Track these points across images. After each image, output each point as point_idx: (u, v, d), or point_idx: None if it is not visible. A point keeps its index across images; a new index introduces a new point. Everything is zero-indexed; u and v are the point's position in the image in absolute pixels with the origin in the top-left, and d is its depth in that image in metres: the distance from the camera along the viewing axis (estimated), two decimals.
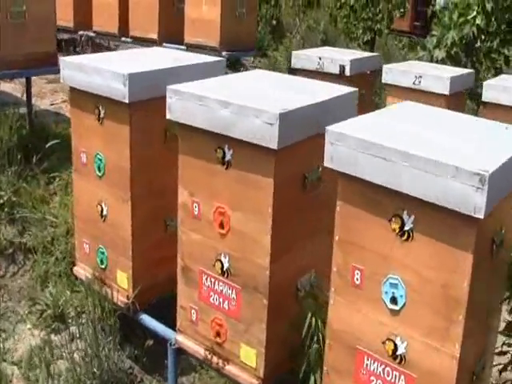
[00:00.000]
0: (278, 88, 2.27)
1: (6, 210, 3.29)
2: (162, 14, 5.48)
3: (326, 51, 4.65)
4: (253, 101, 2.00)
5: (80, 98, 2.62)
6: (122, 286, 2.64)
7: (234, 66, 6.62)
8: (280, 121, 1.89)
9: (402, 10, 8.29)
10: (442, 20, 5.53)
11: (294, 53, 4.59)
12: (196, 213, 2.21)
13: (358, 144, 1.68)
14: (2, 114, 4.04)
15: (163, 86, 2.45)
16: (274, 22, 8.46)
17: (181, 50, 5.44)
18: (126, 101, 2.37)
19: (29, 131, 4.02)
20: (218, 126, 2.04)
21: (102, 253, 2.70)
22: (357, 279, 1.82)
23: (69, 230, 3.33)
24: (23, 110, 4.68)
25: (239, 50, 5.26)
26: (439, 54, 5.37)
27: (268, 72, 2.69)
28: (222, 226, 2.14)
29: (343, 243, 1.81)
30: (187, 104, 2.11)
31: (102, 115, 2.55)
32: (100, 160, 2.60)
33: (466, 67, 5.38)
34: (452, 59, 5.36)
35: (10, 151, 3.46)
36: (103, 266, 2.71)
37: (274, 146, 1.92)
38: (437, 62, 5.44)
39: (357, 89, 2.29)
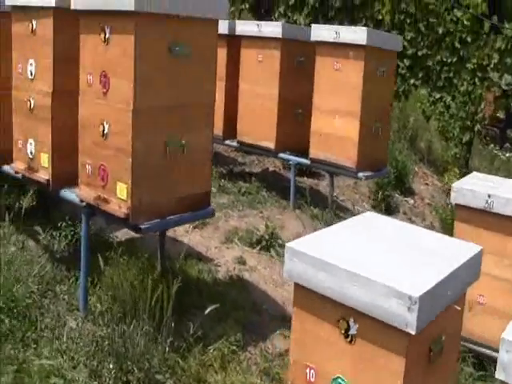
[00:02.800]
0: None
1: None
2: (281, 120, 4.93)
3: (491, 184, 4.02)
4: None
5: (313, 301, 1.99)
6: None
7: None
8: None
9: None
10: None
11: (454, 186, 3.97)
12: None
13: None
14: (130, 255, 3.44)
15: (439, 302, 1.85)
16: None
17: (304, 163, 4.88)
18: (412, 332, 1.72)
19: (160, 274, 3.39)
20: None
21: None
22: None
23: None
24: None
25: (373, 170, 4.65)
26: None
27: None
28: None
29: None
30: None
31: (352, 331, 1.90)
32: None
33: None
34: None
35: (151, 309, 2.82)
36: None
37: None
38: None
39: None
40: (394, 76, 4.78)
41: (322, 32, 4.54)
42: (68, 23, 3.15)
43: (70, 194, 3.16)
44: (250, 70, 4.95)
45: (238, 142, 5.24)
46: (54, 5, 3.08)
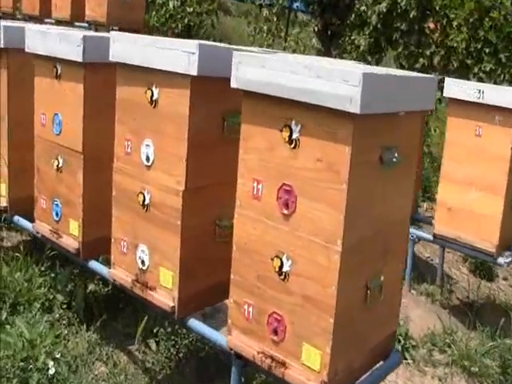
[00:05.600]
0: None
1: None
2: None
3: None
4: None
5: None
6: None
7: None
8: None
9: None
10: None
11: None
12: None
13: None
14: None
15: None
16: None
17: (425, 239, 4.09)
18: None
19: None
20: None
21: None
22: None
23: None
24: None
25: (510, 250, 3.89)
26: None
27: None
28: None
29: None
30: None
31: None
32: None
33: None
34: None
35: None
36: None
37: None
38: None
39: None
40: None
41: (459, 89, 3.74)
42: (209, 96, 2.34)
43: (210, 332, 2.35)
44: None
45: None
46: (195, 73, 2.23)
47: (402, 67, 7.55)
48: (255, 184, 2.08)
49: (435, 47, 7.26)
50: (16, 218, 3.38)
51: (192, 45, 2.24)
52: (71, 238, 2.92)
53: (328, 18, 6.34)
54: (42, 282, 3.27)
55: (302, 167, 1.94)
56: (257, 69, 2.02)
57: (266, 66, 1.99)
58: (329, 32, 6.53)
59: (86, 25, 5.97)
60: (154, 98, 2.42)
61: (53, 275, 3.35)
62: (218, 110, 2.40)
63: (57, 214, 3.00)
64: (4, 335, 2.86)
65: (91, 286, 3.37)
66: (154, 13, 8.37)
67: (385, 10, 7.50)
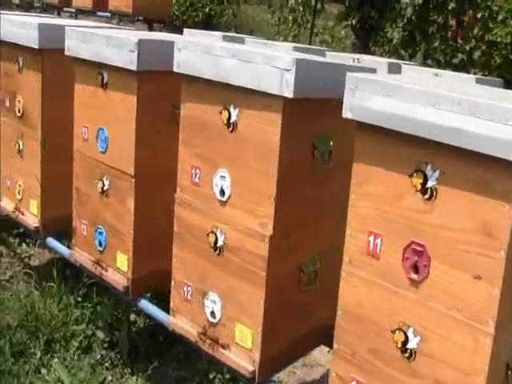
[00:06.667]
0: None
1: None
2: None
3: None
4: None
5: None
6: None
7: None
8: None
9: None
10: None
11: None
12: None
13: None
14: None
15: None
16: None
17: None
18: None
19: None
20: None
21: None
22: None
23: None
24: None
25: None
26: None
27: None
28: None
29: None
30: None
31: None
32: None
33: None
34: None
35: None
36: None
37: None
38: None
39: None
40: None
41: None
42: (301, 121, 1.97)
43: None
44: None
45: None
46: (290, 95, 1.85)
47: (437, 63, 7.14)
48: (371, 238, 1.69)
49: (475, 42, 6.84)
50: (49, 240, 3.00)
51: (287, 59, 1.84)
52: (118, 273, 2.54)
53: (366, 11, 5.91)
54: (79, 315, 2.89)
55: (439, 224, 1.55)
56: (380, 97, 1.62)
57: (394, 95, 1.59)
58: (366, 26, 6.10)
59: (108, 15, 5.53)
60: (231, 121, 2.03)
61: (90, 305, 2.97)
62: (310, 137, 2.01)
63: (100, 244, 2.62)
64: (41, 383, 2.49)
65: (132, 317, 2.99)
66: (174, 1, 7.93)
67: (421, 2, 7.06)
